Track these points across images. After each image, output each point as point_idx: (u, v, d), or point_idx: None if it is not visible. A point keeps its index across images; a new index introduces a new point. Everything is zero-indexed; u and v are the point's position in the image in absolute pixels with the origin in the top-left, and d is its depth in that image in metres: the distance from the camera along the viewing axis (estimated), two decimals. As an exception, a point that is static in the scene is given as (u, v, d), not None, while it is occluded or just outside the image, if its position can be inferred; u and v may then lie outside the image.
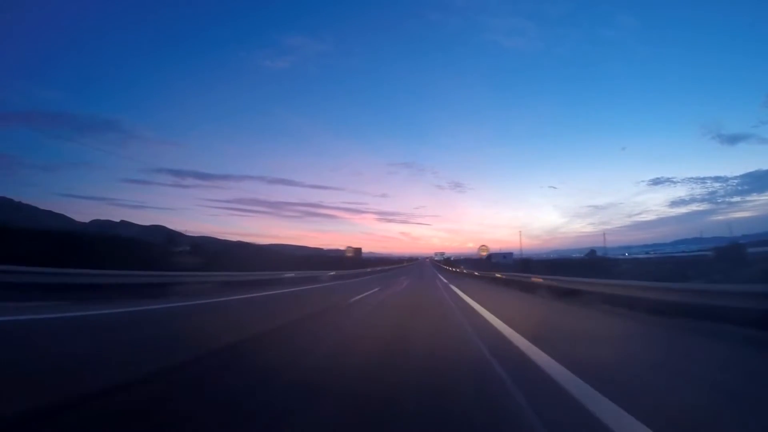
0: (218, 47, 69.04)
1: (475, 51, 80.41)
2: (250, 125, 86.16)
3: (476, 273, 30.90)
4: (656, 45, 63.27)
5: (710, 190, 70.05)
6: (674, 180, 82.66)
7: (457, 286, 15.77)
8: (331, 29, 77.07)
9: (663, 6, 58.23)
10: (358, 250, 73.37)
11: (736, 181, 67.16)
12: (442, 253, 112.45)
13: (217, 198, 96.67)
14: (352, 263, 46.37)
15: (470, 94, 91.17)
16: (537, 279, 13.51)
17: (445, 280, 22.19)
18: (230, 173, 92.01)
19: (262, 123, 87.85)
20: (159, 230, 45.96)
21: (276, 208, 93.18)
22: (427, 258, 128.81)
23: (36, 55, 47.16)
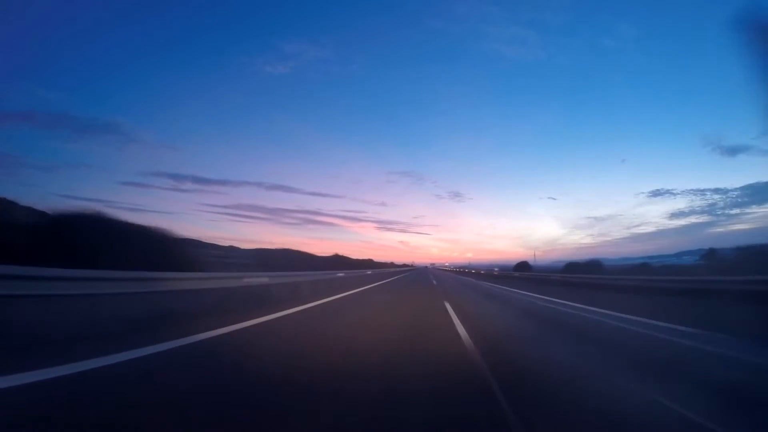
0: (219, 52, 67.75)
1: (475, 60, 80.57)
2: (250, 130, 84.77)
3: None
4: (656, 55, 63.16)
5: (710, 202, 70.10)
6: (674, 192, 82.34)
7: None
8: (332, 36, 76.66)
9: (663, 16, 58.17)
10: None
11: (735, 193, 66.96)
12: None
13: (216, 203, 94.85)
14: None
15: (471, 103, 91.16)
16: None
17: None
18: (229, 178, 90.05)
19: (261, 128, 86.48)
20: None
21: (274, 214, 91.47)
22: (428, 265, 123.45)
23: (38, 56, 45.60)
